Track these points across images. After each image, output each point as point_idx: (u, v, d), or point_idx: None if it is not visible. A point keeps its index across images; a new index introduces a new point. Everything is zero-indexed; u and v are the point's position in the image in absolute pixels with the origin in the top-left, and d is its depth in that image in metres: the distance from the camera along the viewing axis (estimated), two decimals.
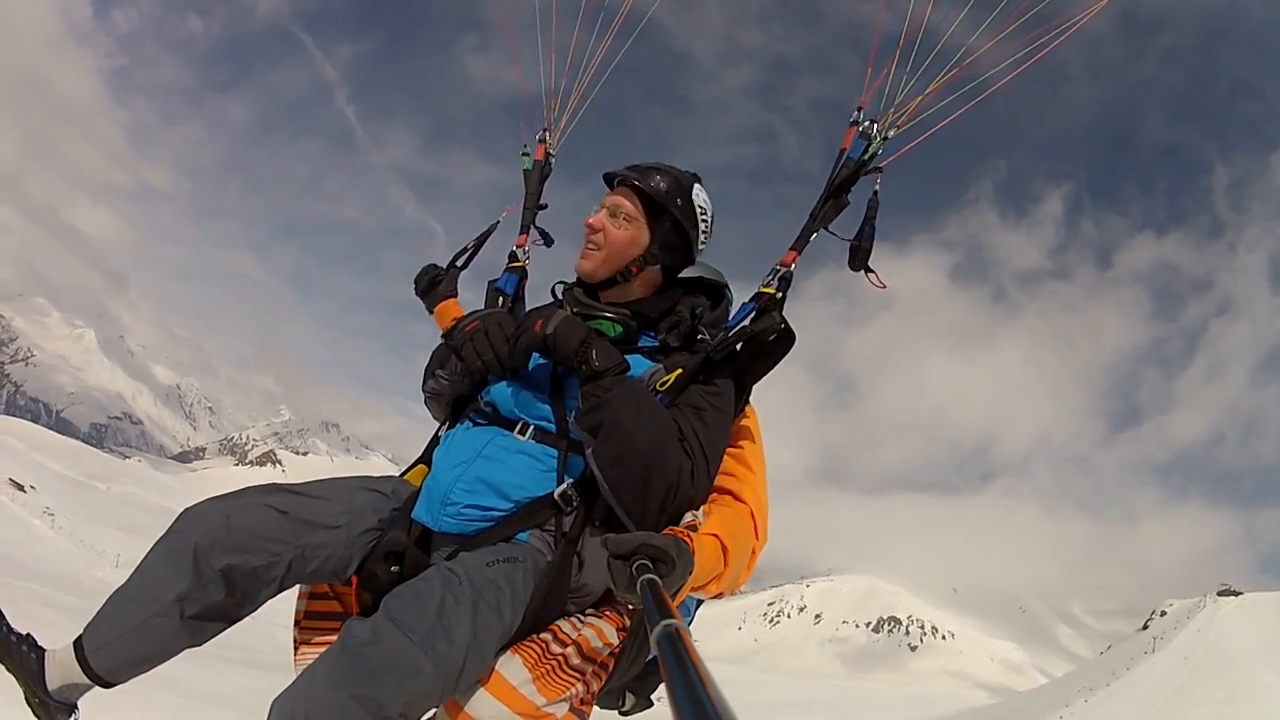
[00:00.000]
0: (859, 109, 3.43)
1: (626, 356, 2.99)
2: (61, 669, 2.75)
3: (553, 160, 4.24)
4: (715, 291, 3.47)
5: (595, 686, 2.74)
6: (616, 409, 2.73)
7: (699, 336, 3.13)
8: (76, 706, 2.85)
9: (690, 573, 2.41)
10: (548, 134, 4.23)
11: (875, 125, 3.37)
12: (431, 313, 3.73)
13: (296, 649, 2.98)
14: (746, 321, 3.10)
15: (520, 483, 2.90)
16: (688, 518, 2.76)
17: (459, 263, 3.83)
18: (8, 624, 2.87)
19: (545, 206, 4.09)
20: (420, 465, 3.33)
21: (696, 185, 3.38)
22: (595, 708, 2.98)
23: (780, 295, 3.16)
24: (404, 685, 2.27)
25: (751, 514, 2.97)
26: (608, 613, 2.89)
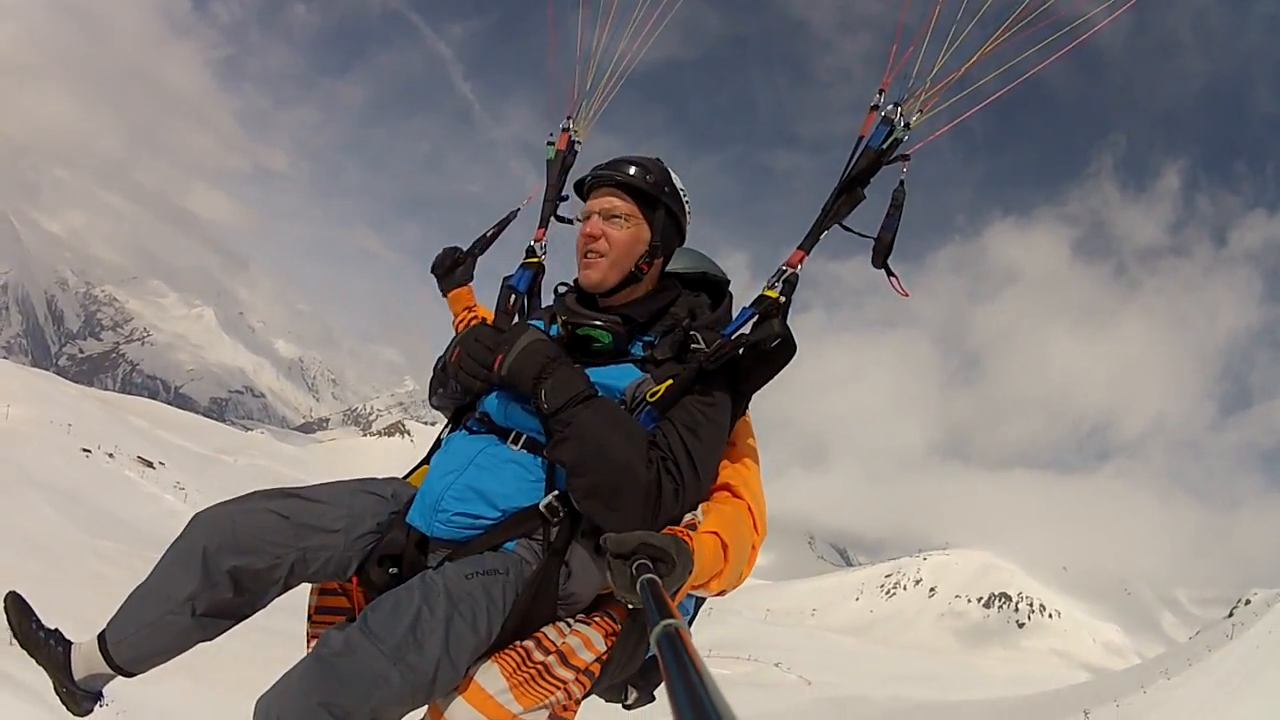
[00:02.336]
0: (880, 91, 3.17)
1: (618, 366, 3.02)
2: (86, 660, 2.93)
3: (578, 148, 4.10)
4: (718, 289, 3.43)
5: (579, 693, 2.79)
6: (578, 444, 2.75)
7: (692, 346, 3.00)
8: (101, 694, 3.04)
9: (690, 572, 2.41)
10: (571, 121, 4.10)
11: (899, 109, 3.11)
12: (445, 296, 3.93)
13: (309, 643, 3.05)
14: (745, 329, 3.02)
15: (508, 492, 2.92)
16: (687, 517, 2.77)
17: (477, 250, 3.87)
18: (37, 619, 3.06)
19: (566, 198, 4.00)
20: (424, 467, 3.36)
21: (670, 169, 3.28)
22: (603, 702, 3.22)
23: (784, 300, 3.02)
24: (370, 694, 2.42)
25: (749, 509, 2.94)
26: (598, 619, 2.91)
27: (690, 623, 3.37)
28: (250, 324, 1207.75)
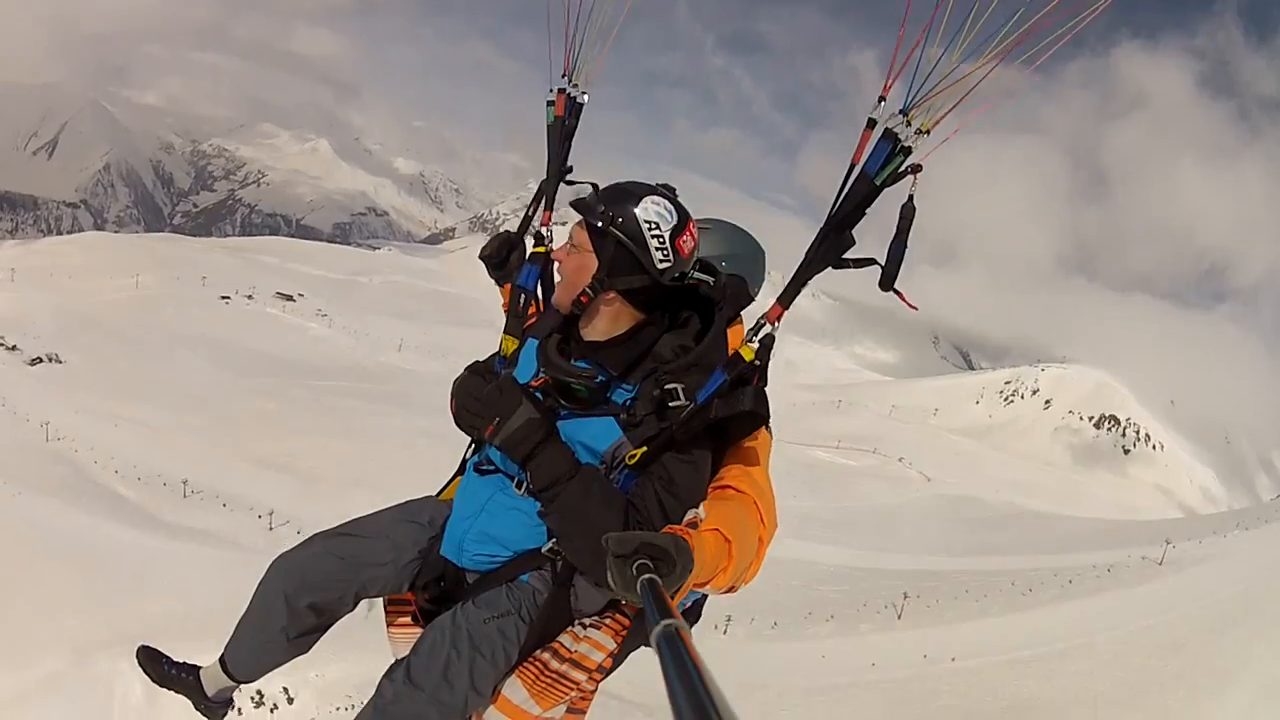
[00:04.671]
0: (880, 99, 2.64)
1: (600, 421, 2.99)
2: (213, 680, 3.53)
3: (583, 100, 3.66)
4: (708, 308, 3.18)
5: (591, 687, 3.12)
6: (560, 517, 2.92)
7: (670, 403, 2.90)
8: (232, 699, 3.67)
9: (690, 571, 2.39)
10: (568, 80, 3.62)
11: (906, 118, 2.60)
12: (500, 286, 3.68)
13: (387, 625, 3.45)
14: (717, 396, 2.85)
15: (516, 538, 3.12)
16: (688, 515, 2.74)
17: (525, 230, 3.69)
18: (167, 659, 3.65)
19: (570, 171, 3.66)
20: (456, 480, 3.52)
21: (648, 199, 2.96)
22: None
23: (759, 363, 2.87)
24: None
25: (755, 504, 2.91)
26: (608, 620, 3.15)
27: (698, 612, 3.53)
28: (367, 147, 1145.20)
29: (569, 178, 3.70)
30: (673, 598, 2.27)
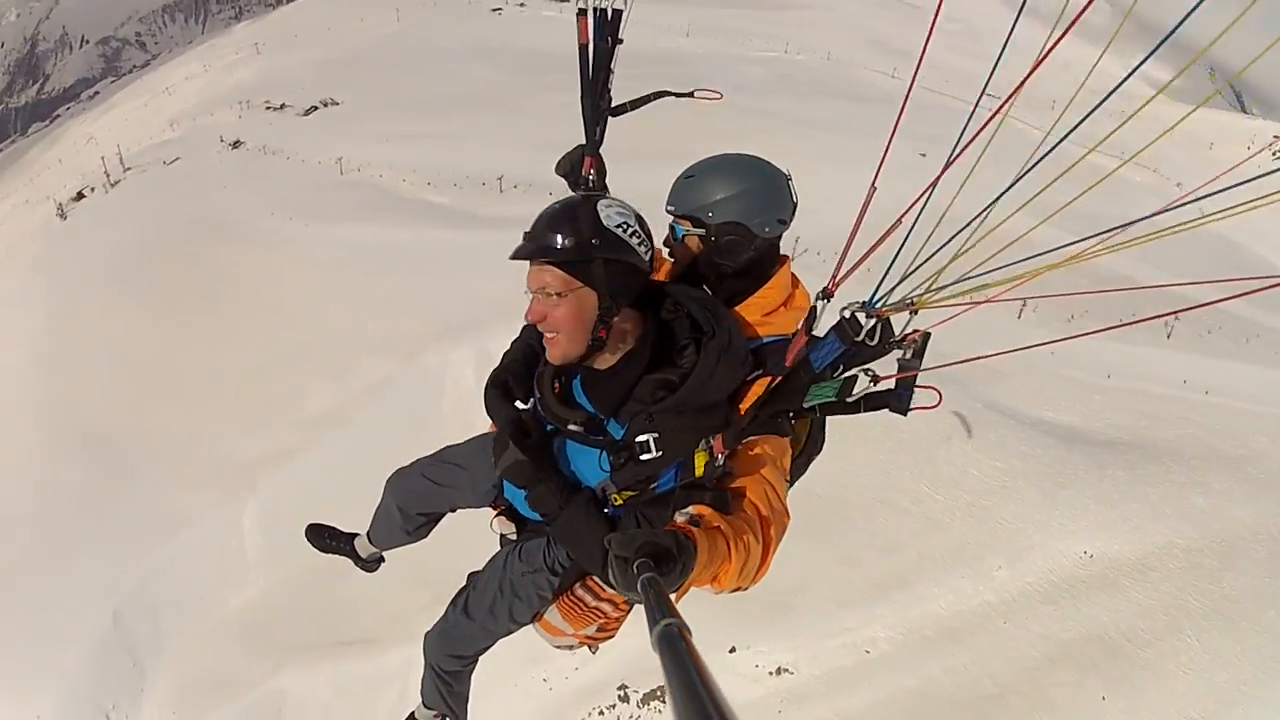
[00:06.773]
0: (824, 296, 2.41)
1: (595, 453, 2.92)
2: (364, 547, 4.41)
3: (619, 7, 3.25)
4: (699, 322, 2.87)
5: (618, 614, 3.48)
6: (559, 538, 3.23)
7: (642, 456, 2.78)
8: (383, 557, 4.49)
9: (691, 570, 2.31)
10: None
11: (867, 311, 2.36)
12: None
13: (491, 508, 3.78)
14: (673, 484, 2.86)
15: None
16: (692, 513, 2.70)
17: (598, 141, 3.47)
18: (330, 531, 4.55)
19: (611, 104, 3.38)
20: None
21: (600, 206, 2.75)
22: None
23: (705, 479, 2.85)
24: (470, 646, 3.77)
25: (755, 506, 2.79)
26: None
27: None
28: None
29: (614, 104, 3.50)
30: (675, 595, 2.29)
